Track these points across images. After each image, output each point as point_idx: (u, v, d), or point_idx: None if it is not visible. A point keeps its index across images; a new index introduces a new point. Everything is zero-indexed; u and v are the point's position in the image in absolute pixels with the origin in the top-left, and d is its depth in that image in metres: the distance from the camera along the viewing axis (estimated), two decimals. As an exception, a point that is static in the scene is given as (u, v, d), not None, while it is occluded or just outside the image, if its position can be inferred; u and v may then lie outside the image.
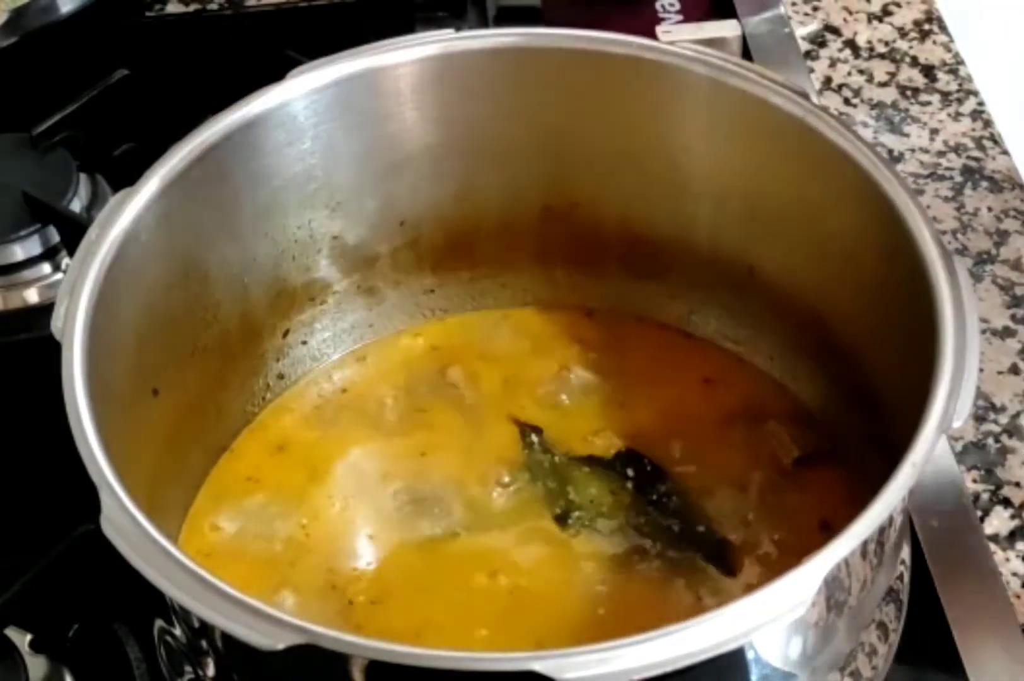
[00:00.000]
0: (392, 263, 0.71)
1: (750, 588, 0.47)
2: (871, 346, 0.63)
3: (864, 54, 0.92)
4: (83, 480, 0.51)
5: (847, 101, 0.89)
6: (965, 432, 0.73)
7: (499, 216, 0.71)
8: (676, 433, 0.68)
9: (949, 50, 0.92)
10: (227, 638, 0.51)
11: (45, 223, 0.79)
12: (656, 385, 0.69)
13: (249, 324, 0.68)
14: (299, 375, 0.71)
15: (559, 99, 0.66)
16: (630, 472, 0.66)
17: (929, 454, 0.50)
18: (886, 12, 0.95)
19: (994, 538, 0.69)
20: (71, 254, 0.74)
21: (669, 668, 0.45)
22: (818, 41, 0.93)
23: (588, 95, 0.66)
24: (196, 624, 0.53)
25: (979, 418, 0.73)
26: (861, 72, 0.91)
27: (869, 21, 0.94)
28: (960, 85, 0.90)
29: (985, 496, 0.70)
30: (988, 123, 0.87)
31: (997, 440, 0.73)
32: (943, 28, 0.93)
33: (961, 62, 0.91)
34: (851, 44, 0.93)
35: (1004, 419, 0.73)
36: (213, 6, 0.97)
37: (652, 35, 0.84)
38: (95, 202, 0.82)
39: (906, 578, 0.61)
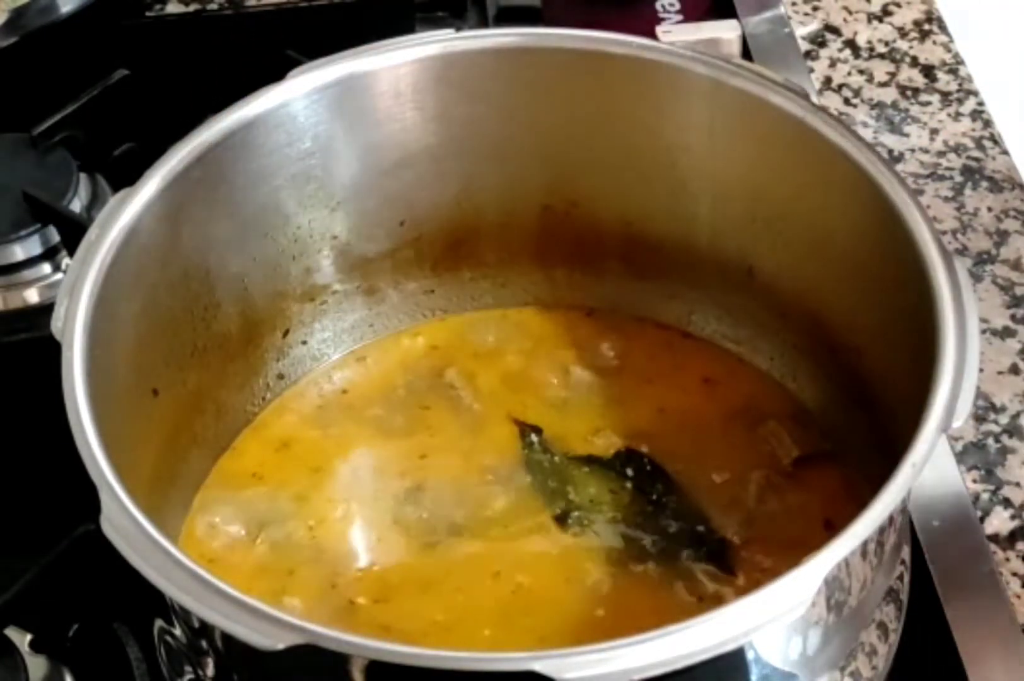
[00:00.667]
0: (392, 263, 0.71)
1: (750, 588, 0.47)
2: (871, 346, 0.63)
3: (864, 54, 0.92)
4: (83, 480, 0.51)
5: (847, 101, 0.89)
6: (965, 432, 0.73)
7: (499, 216, 0.71)
8: (676, 433, 0.67)
9: (949, 50, 0.92)
10: (227, 638, 0.51)
11: (45, 223, 0.79)
12: (656, 385, 0.69)
13: (249, 324, 0.68)
14: (299, 375, 0.71)
15: (559, 99, 0.66)
16: (630, 472, 0.66)
17: (929, 454, 0.50)
18: (886, 12, 0.95)
19: (994, 538, 0.69)
20: (71, 254, 0.74)
21: (669, 668, 0.45)
22: (818, 41, 0.93)
23: (588, 95, 0.66)
24: (196, 624, 0.53)
25: (979, 418, 0.73)
26: (861, 72, 0.91)
27: (869, 21, 0.94)
28: (960, 85, 0.90)
29: (985, 496, 0.70)
30: (988, 123, 0.87)
31: (997, 440, 0.73)
32: (943, 28, 0.93)
33: (961, 62, 0.91)
34: (851, 44, 0.93)
35: (1004, 419, 0.73)
36: (213, 6, 0.97)
37: (652, 35, 0.84)
38: (95, 202, 0.82)
39: (906, 578, 0.61)
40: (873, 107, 0.89)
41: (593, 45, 0.64)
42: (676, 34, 0.83)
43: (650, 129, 0.66)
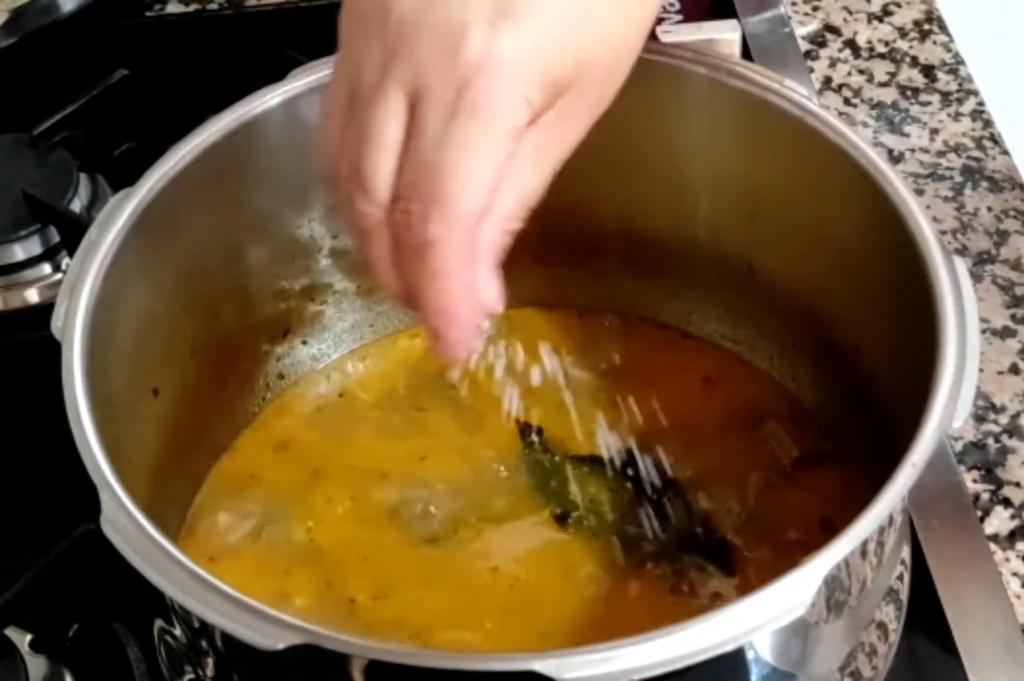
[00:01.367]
0: (392, 263, 0.71)
1: (750, 588, 0.47)
2: (871, 346, 0.63)
3: (864, 54, 0.92)
4: (83, 480, 0.51)
5: (847, 101, 0.89)
6: (965, 432, 0.73)
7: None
8: (676, 433, 0.67)
9: (949, 50, 0.92)
10: (227, 638, 0.51)
11: (45, 223, 0.79)
12: (656, 385, 0.69)
13: (249, 324, 0.68)
14: (299, 375, 0.71)
15: (559, 99, 0.66)
16: (630, 472, 0.66)
17: (929, 454, 0.50)
18: (886, 12, 0.95)
19: (994, 538, 0.69)
20: (71, 254, 0.74)
21: (669, 668, 0.45)
22: (818, 41, 0.93)
23: (588, 95, 0.66)
24: (196, 624, 0.53)
25: (979, 418, 0.73)
26: (861, 72, 0.91)
27: (869, 21, 0.94)
28: (960, 85, 0.90)
29: (985, 496, 0.70)
30: (988, 123, 0.87)
31: (997, 440, 0.73)
32: (943, 28, 0.93)
33: (961, 62, 0.91)
34: (851, 44, 0.93)
35: (1004, 419, 0.73)
36: (213, 6, 0.97)
37: (652, 35, 0.83)
38: (95, 202, 0.82)
39: (906, 578, 0.61)
40: (873, 107, 0.89)
41: (593, 45, 0.64)
42: (676, 34, 0.83)
43: (650, 129, 0.66)
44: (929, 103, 0.89)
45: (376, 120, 0.48)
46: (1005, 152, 0.86)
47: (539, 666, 0.44)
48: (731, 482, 0.65)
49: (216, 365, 0.66)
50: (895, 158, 0.85)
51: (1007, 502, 0.70)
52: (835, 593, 0.52)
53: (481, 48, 0.47)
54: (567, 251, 0.72)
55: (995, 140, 0.86)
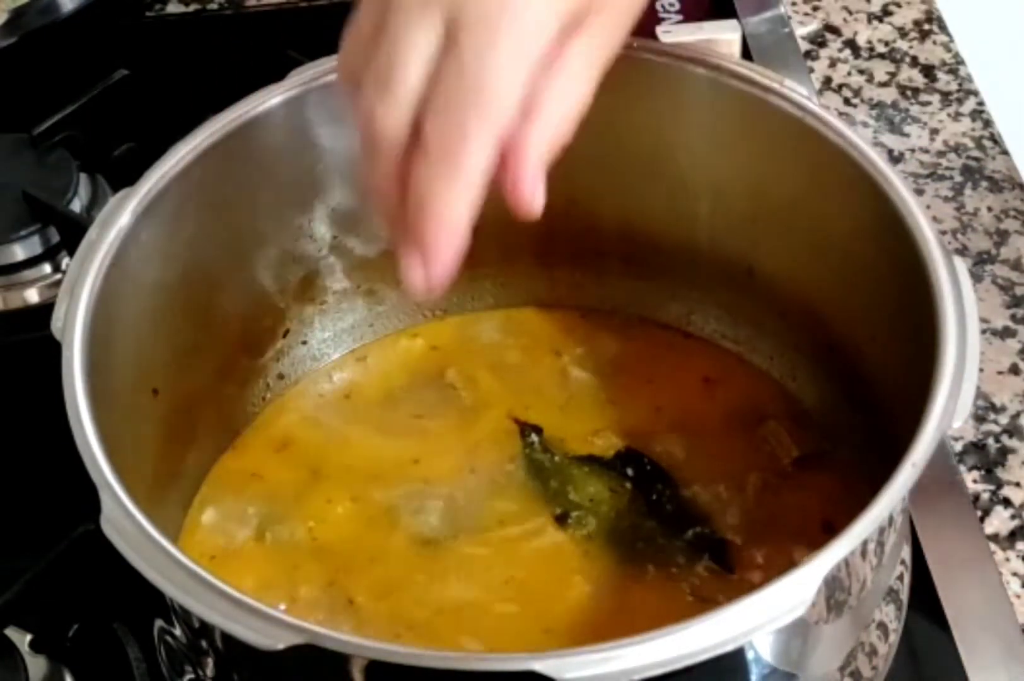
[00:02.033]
0: (392, 263, 0.71)
1: (750, 588, 0.47)
2: (871, 346, 0.63)
3: (864, 54, 0.92)
4: (83, 480, 0.51)
5: (847, 101, 0.89)
6: (965, 432, 0.73)
7: (499, 216, 0.71)
8: (676, 433, 0.68)
9: (949, 50, 0.92)
10: (227, 638, 0.51)
11: (45, 223, 0.79)
12: (656, 385, 0.69)
13: (249, 324, 0.68)
14: (299, 375, 0.71)
15: (559, 99, 0.66)
16: (630, 472, 0.66)
17: (929, 454, 0.50)
18: (886, 12, 0.95)
19: (994, 538, 0.69)
20: (71, 254, 0.74)
21: (669, 668, 0.45)
22: (818, 41, 0.93)
23: (588, 95, 0.66)
24: (196, 624, 0.53)
25: (979, 418, 0.73)
26: (861, 72, 0.91)
27: (869, 21, 0.94)
28: (960, 85, 0.90)
29: (985, 496, 0.70)
30: (988, 123, 0.87)
31: (997, 440, 0.73)
32: (943, 28, 0.93)
33: (961, 62, 0.91)
34: (851, 44, 0.93)
35: (1004, 419, 0.73)
36: (213, 6, 0.97)
37: (652, 35, 0.83)
38: (95, 202, 0.82)
39: (906, 578, 0.61)
40: (873, 107, 0.89)
41: (593, 45, 0.64)
42: (676, 34, 0.83)
43: (650, 129, 0.66)
44: (929, 103, 0.89)
45: (411, 29, 0.50)
46: (1005, 152, 0.86)
47: (539, 666, 0.44)
48: (731, 482, 0.65)
49: (216, 365, 0.66)
50: (895, 158, 0.85)
51: (1007, 502, 0.70)
52: (835, 593, 0.52)
53: None
54: (567, 251, 0.72)
55: (995, 140, 0.86)
